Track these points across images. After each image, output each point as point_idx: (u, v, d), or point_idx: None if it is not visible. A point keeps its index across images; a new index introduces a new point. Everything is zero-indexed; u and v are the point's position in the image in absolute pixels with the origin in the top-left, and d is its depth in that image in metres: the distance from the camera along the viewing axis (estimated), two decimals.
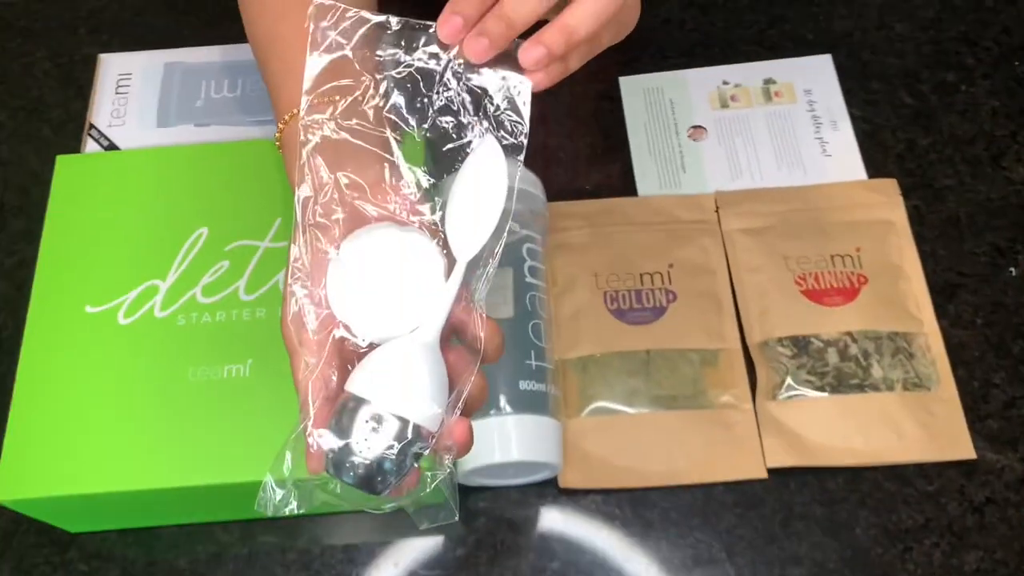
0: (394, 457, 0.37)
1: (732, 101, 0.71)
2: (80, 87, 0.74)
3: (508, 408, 0.54)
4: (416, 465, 0.39)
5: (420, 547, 0.57)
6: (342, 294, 0.40)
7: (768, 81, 0.72)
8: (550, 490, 0.58)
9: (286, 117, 0.45)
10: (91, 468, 0.51)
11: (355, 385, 0.38)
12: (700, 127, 0.70)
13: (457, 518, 0.56)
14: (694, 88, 0.72)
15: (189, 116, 0.61)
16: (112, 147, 0.61)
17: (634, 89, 0.72)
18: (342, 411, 0.38)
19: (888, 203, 0.66)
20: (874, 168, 0.68)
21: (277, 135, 0.46)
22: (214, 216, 0.57)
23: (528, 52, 0.40)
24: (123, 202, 0.58)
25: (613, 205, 0.66)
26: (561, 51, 0.40)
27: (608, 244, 0.64)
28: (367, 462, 0.37)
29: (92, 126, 0.61)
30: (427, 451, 0.38)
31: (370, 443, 0.37)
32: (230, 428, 0.51)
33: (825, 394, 0.59)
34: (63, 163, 0.60)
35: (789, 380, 0.59)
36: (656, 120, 0.71)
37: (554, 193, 0.66)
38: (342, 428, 0.37)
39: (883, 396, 0.59)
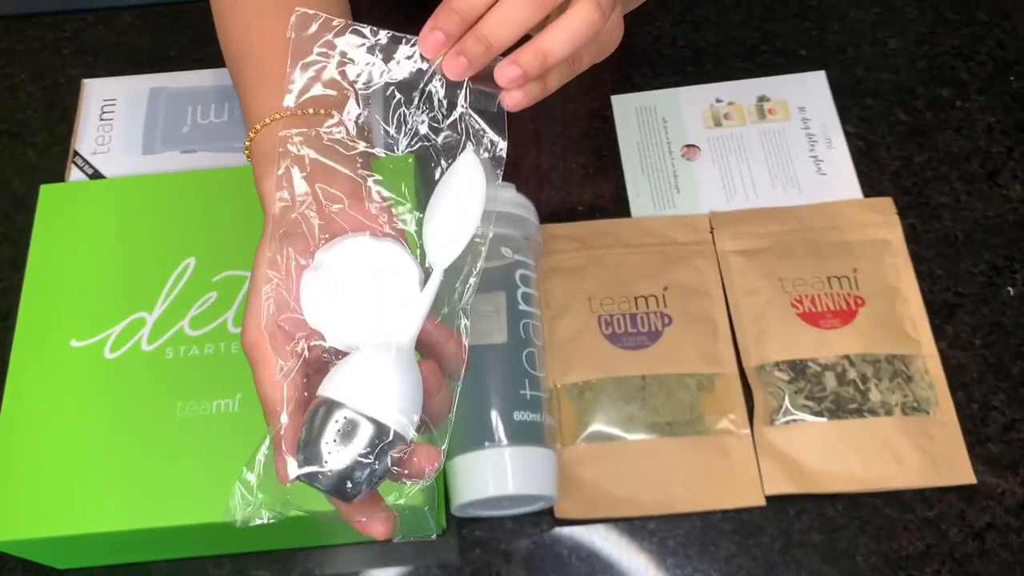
0: (367, 461, 0.36)
1: (725, 119, 0.71)
2: (64, 110, 0.73)
3: (503, 440, 0.53)
4: (390, 470, 0.38)
5: None
6: (316, 302, 0.40)
7: (761, 98, 0.71)
8: (546, 520, 0.57)
9: (257, 126, 0.44)
10: (78, 508, 0.50)
11: (328, 389, 0.38)
12: (693, 146, 0.70)
13: (435, 536, 0.55)
14: (687, 106, 0.71)
15: (175, 142, 0.60)
16: (97, 175, 0.59)
17: (626, 108, 0.71)
18: (314, 415, 0.37)
19: (884, 222, 0.65)
20: (869, 186, 0.67)
21: (247, 143, 0.45)
22: (201, 246, 0.56)
23: (503, 71, 0.40)
24: (108, 232, 0.57)
25: (606, 227, 0.66)
26: (536, 72, 0.40)
27: (602, 267, 0.64)
28: (339, 467, 0.36)
29: (76, 153, 0.60)
30: (400, 457, 0.38)
31: (342, 447, 0.36)
32: (220, 465, 0.50)
33: (823, 419, 0.58)
34: (47, 192, 0.59)
35: (787, 405, 0.59)
36: (649, 139, 0.70)
37: (547, 214, 0.65)
38: (314, 432, 0.37)
39: (882, 421, 0.58)
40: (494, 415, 0.53)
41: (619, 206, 0.68)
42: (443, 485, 0.56)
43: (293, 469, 0.37)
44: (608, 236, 0.65)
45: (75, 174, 0.60)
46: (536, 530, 0.57)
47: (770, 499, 0.57)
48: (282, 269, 0.40)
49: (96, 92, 0.62)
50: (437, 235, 0.41)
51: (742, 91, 0.72)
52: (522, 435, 0.53)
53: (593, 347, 0.61)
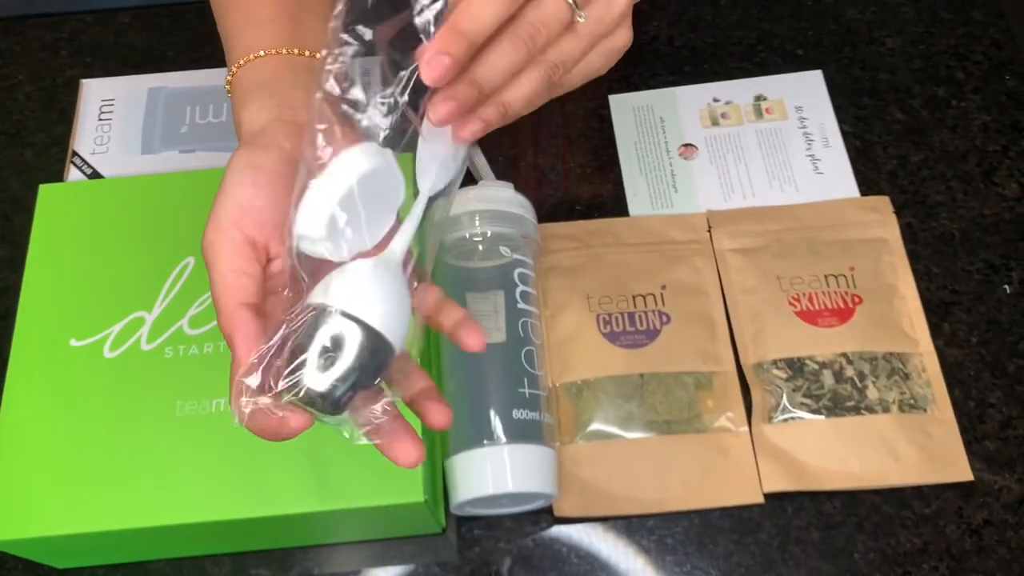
0: (355, 366, 0.35)
1: (723, 118, 0.71)
2: (63, 110, 0.73)
3: (502, 438, 0.53)
4: (378, 382, 0.36)
5: None
6: (310, 208, 0.37)
7: (759, 98, 0.71)
8: (545, 518, 0.57)
9: (240, 61, 0.43)
10: (77, 507, 0.50)
11: (315, 296, 0.36)
12: (691, 145, 0.70)
13: (441, 531, 0.55)
14: (684, 106, 0.71)
15: (174, 142, 0.60)
16: (95, 175, 0.60)
17: (624, 107, 0.72)
18: (301, 323, 0.36)
19: (881, 221, 0.65)
20: (866, 185, 0.68)
21: (229, 78, 0.44)
22: (200, 245, 0.56)
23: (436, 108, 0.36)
24: (107, 232, 0.57)
25: (604, 226, 0.66)
26: (469, 106, 0.37)
27: (600, 266, 0.64)
28: (329, 375, 0.35)
29: (75, 153, 0.60)
30: (390, 366, 0.36)
31: (331, 354, 0.35)
32: (220, 463, 0.50)
33: (821, 417, 0.58)
34: (46, 192, 0.59)
35: (784, 403, 0.59)
36: (646, 138, 0.70)
37: (545, 214, 0.65)
38: (301, 341, 0.35)
39: (879, 418, 0.58)
40: (493, 413, 0.53)
41: (617, 205, 0.68)
42: (442, 483, 0.56)
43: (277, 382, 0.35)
44: (606, 235, 0.65)
45: (74, 174, 0.60)
46: (535, 528, 0.57)
47: (768, 496, 0.57)
48: (260, 172, 0.39)
49: (95, 92, 0.62)
50: (427, 160, 0.39)
51: (739, 90, 0.72)
52: (521, 433, 0.53)
53: (591, 346, 0.61)
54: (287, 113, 0.42)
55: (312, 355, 0.35)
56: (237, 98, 0.44)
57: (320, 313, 0.35)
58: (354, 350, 0.35)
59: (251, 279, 0.39)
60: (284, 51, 0.42)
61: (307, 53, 0.42)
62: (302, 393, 0.35)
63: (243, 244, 0.39)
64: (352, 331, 0.35)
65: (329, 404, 0.35)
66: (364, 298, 0.36)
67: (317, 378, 0.35)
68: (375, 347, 0.35)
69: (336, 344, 0.35)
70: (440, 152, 0.39)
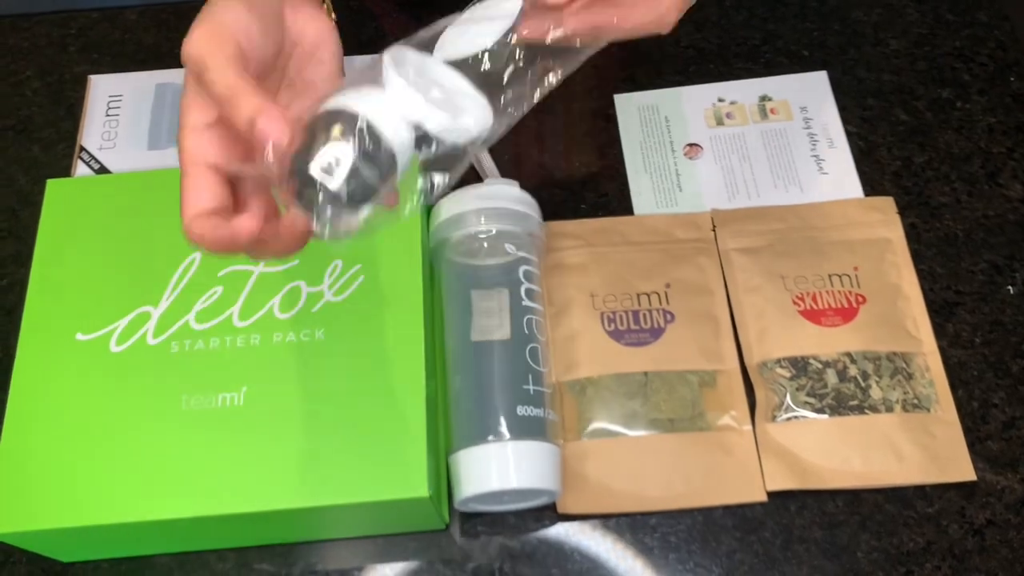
0: (365, 174, 0.35)
1: (727, 118, 0.71)
2: (70, 106, 0.73)
3: (506, 434, 0.53)
4: (391, 179, 0.36)
5: (416, 574, 0.56)
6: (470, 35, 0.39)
7: (763, 98, 0.72)
8: (548, 515, 0.58)
9: None
10: (84, 500, 0.50)
11: (342, 101, 0.37)
12: (696, 145, 0.70)
13: (444, 527, 0.56)
14: (689, 105, 0.72)
15: None
16: (103, 170, 0.60)
17: (629, 107, 0.72)
18: (317, 123, 0.36)
19: (885, 221, 0.66)
20: (870, 186, 0.68)
21: None
22: None
23: None
24: (115, 227, 0.57)
25: (609, 224, 0.66)
26: None
27: (605, 264, 0.64)
28: (339, 175, 0.35)
29: (83, 149, 0.61)
30: (389, 184, 0.36)
31: (342, 147, 0.35)
32: (225, 458, 0.51)
33: (824, 416, 0.58)
34: (53, 187, 0.59)
35: (788, 401, 0.59)
36: (651, 138, 0.70)
37: (550, 212, 0.65)
38: (316, 138, 0.35)
39: (883, 417, 0.58)
40: (498, 410, 0.54)
41: (622, 204, 0.68)
42: (446, 479, 0.56)
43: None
44: (611, 234, 0.65)
45: (82, 169, 0.60)
46: (538, 525, 0.57)
47: (771, 495, 0.57)
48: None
49: (102, 88, 0.63)
50: (453, 33, 0.40)
51: (744, 91, 0.72)
52: (525, 430, 0.54)
53: (596, 344, 0.61)
54: None
55: (330, 155, 0.35)
56: None
57: (343, 117, 0.35)
58: (368, 157, 0.35)
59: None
60: None
61: None
62: (318, 187, 0.35)
63: (238, 56, 0.38)
64: (372, 139, 0.35)
65: (332, 200, 0.35)
66: (385, 114, 0.36)
67: (333, 178, 0.35)
68: (388, 161, 0.35)
69: (346, 136, 0.35)
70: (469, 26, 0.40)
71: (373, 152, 0.35)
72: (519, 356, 0.55)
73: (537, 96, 0.40)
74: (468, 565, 0.56)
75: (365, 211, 0.36)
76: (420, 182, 0.38)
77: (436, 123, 0.37)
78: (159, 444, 0.51)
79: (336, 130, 0.35)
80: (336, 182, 0.35)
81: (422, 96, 0.37)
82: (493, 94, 0.39)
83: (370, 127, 0.35)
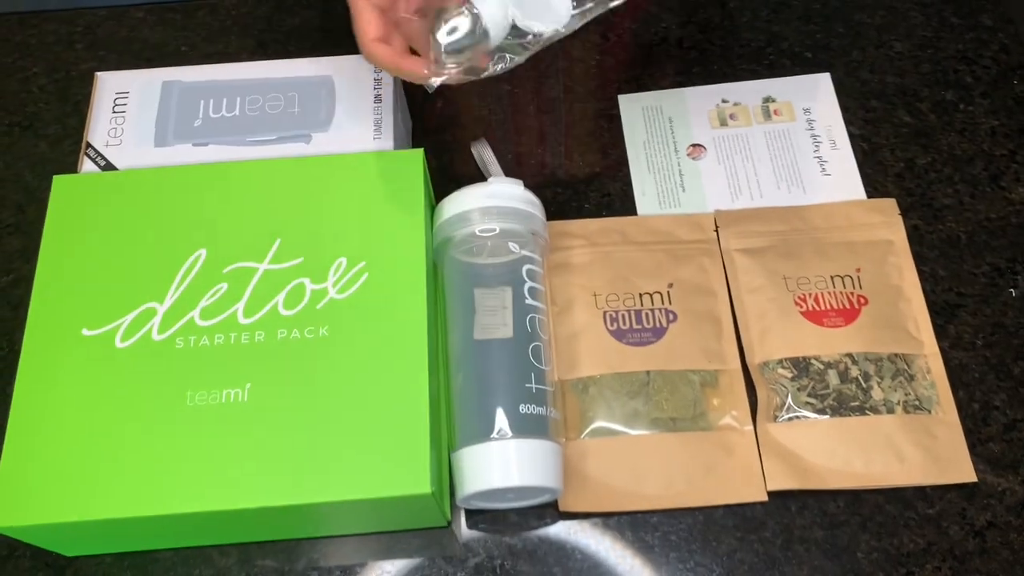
0: (470, 29, 0.49)
1: (731, 119, 0.71)
2: (77, 103, 0.74)
3: (508, 432, 0.53)
4: (484, 45, 0.50)
5: (418, 570, 0.56)
6: None
7: (767, 99, 0.72)
8: (550, 513, 0.58)
9: None
10: (88, 494, 0.50)
11: None
12: (699, 145, 0.70)
13: (447, 524, 0.56)
14: (693, 106, 0.72)
15: (187, 135, 0.61)
16: (109, 167, 0.60)
17: (633, 107, 0.72)
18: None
19: (887, 223, 0.66)
20: (873, 187, 0.68)
21: None
22: (212, 237, 0.57)
23: None
24: (121, 223, 0.58)
25: (613, 224, 0.66)
26: None
27: (607, 264, 0.64)
28: (456, 33, 0.50)
29: (89, 145, 0.61)
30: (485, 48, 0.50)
31: (458, 19, 0.49)
32: (229, 453, 0.51)
33: (826, 416, 0.59)
34: (60, 183, 0.59)
35: (790, 402, 0.59)
36: (655, 138, 0.71)
37: (554, 212, 0.66)
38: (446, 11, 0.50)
39: (884, 419, 0.58)
40: (500, 408, 0.54)
41: (625, 204, 0.68)
42: (448, 477, 0.56)
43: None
44: (614, 233, 0.66)
45: (88, 165, 0.60)
46: (540, 523, 0.58)
47: (772, 495, 0.57)
48: None
49: (109, 85, 0.63)
50: None
51: (748, 92, 0.72)
52: (528, 428, 0.54)
53: (598, 343, 0.61)
54: None
55: (450, 23, 0.50)
56: None
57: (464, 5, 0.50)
58: (471, 30, 0.50)
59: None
60: None
61: None
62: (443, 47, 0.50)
63: None
64: (474, 17, 0.50)
65: (451, 52, 0.50)
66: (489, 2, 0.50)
67: (449, 38, 0.50)
68: (483, 34, 0.50)
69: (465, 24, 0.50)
70: None
71: (474, 27, 0.49)
72: (522, 355, 0.56)
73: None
74: (470, 562, 0.56)
75: (465, 63, 0.50)
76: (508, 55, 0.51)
77: (522, 15, 0.51)
78: (163, 439, 0.51)
79: (454, 10, 0.50)
80: (448, 40, 0.49)
81: None
82: None
83: (475, 10, 0.49)
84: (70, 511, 0.50)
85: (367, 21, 0.52)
